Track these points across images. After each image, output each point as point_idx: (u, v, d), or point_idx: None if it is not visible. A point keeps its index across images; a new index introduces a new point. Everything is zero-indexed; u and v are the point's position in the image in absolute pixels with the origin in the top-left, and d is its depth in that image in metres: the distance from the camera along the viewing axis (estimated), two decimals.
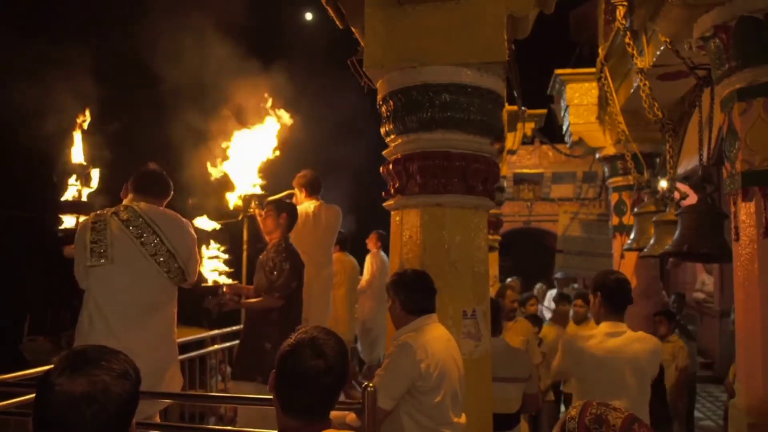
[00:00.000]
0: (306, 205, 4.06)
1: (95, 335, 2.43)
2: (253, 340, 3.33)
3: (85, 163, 3.09)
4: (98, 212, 2.58)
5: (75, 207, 2.96)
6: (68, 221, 2.95)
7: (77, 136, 3.09)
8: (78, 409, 0.99)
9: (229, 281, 3.41)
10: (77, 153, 3.09)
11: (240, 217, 3.84)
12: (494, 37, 2.38)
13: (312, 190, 4.12)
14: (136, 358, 2.34)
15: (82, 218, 2.86)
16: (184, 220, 2.71)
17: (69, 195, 3.02)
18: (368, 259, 6.07)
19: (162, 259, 2.53)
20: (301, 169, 4.22)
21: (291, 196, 4.16)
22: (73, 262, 2.61)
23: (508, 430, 2.95)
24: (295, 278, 3.26)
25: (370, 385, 1.86)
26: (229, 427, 3.93)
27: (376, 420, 1.89)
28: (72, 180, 3.03)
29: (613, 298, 2.57)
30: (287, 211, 3.45)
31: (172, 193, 2.80)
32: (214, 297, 3.22)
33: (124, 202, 2.68)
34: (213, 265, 3.38)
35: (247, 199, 3.77)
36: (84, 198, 3.01)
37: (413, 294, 2.21)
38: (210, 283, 3.27)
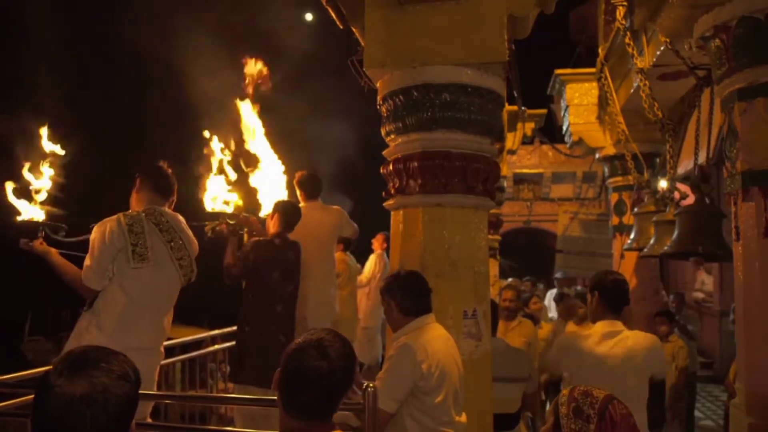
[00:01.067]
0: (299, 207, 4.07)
1: (123, 336, 2.41)
2: (237, 339, 3.43)
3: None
4: (129, 213, 2.57)
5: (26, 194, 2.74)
6: (29, 211, 2.69)
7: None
8: (77, 410, 0.98)
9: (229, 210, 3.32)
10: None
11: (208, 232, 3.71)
12: (495, 37, 2.38)
13: (308, 191, 4.12)
14: (154, 356, 2.36)
15: (42, 208, 2.69)
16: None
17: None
18: (371, 258, 6.08)
19: (184, 263, 2.62)
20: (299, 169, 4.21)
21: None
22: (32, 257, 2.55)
23: (508, 430, 2.95)
24: (240, 267, 3.24)
25: (371, 385, 1.86)
26: (229, 428, 3.93)
27: (378, 421, 1.89)
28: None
29: (610, 297, 2.57)
30: (279, 210, 3.45)
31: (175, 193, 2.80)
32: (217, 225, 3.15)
33: (136, 204, 2.66)
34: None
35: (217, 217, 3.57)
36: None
37: (408, 295, 2.21)
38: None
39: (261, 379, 3.10)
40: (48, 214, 2.71)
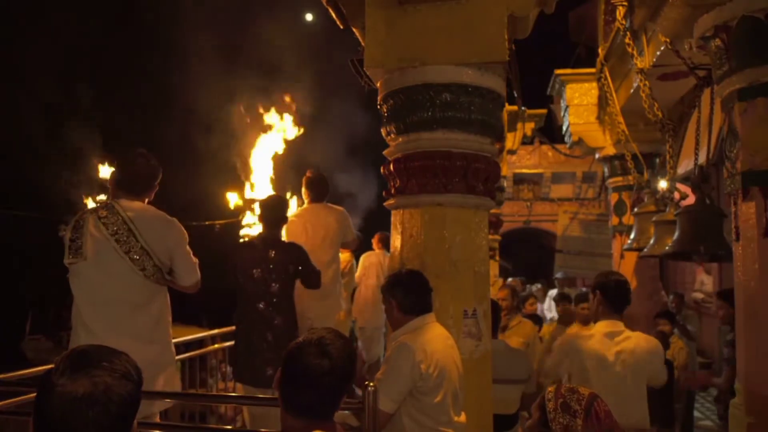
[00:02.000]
0: (298, 211, 4.09)
1: (78, 334, 2.42)
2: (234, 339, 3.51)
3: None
4: (82, 211, 2.56)
5: None
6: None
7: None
8: (80, 410, 0.98)
9: None
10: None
11: (240, 217, 3.83)
12: (495, 37, 2.38)
13: (314, 193, 4.12)
14: (136, 355, 2.29)
15: None
16: (168, 218, 2.60)
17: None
18: (365, 257, 6.08)
19: (136, 257, 2.46)
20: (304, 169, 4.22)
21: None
22: None
23: (506, 430, 2.96)
24: (229, 273, 3.34)
25: (371, 384, 1.86)
26: (229, 427, 3.94)
27: (378, 421, 1.89)
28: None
29: (612, 298, 2.58)
30: (264, 215, 3.49)
31: (155, 186, 2.66)
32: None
33: (107, 198, 2.65)
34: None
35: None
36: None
37: (409, 294, 2.21)
38: None
39: (249, 377, 3.13)
40: None
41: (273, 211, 3.49)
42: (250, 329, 3.25)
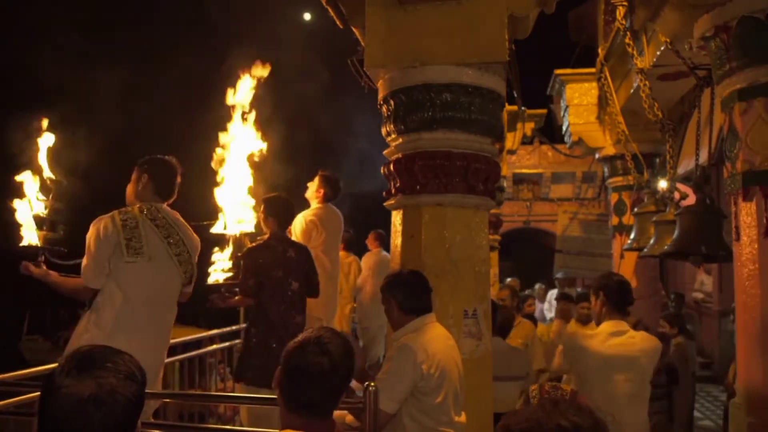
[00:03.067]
0: (313, 208, 4.07)
1: (121, 333, 2.40)
2: (244, 340, 3.39)
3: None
4: (124, 210, 2.55)
5: (39, 222, 2.78)
6: (30, 236, 2.75)
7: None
8: (85, 411, 0.98)
9: (221, 280, 3.26)
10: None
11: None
12: (495, 37, 2.38)
13: (330, 192, 4.12)
14: (154, 354, 2.34)
15: (40, 234, 2.72)
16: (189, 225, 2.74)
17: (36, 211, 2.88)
18: (367, 257, 6.08)
19: (183, 259, 2.59)
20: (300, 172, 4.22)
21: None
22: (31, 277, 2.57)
23: None
24: (250, 276, 3.19)
25: (372, 384, 1.86)
26: (229, 427, 3.93)
27: (379, 421, 1.89)
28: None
29: (615, 298, 2.58)
30: (274, 215, 3.38)
31: (176, 189, 2.73)
32: (213, 295, 3.17)
33: (132, 201, 2.64)
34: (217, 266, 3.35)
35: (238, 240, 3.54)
36: (44, 213, 2.81)
37: (410, 294, 2.20)
38: (212, 281, 3.23)
39: (266, 380, 3.09)
40: (45, 239, 2.74)
41: (285, 210, 3.46)
42: (270, 331, 3.17)
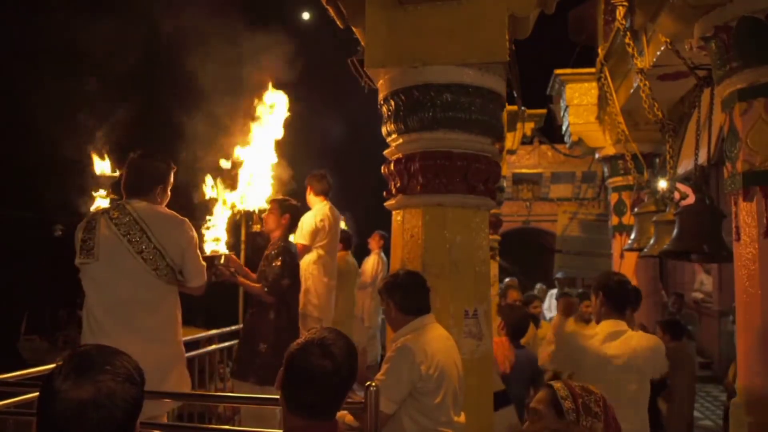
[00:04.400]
0: (322, 208, 4.08)
1: (90, 334, 2.43)
2: (249, 340, 3.34)
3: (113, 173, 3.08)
4: (93, 211, 2.57)
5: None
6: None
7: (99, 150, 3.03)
8: (84, 415, 0.98)
9: (227, 251, 3.31)
10: (102, 165, 3.07)
11: (238, 217, 3.78)
12: (496, 37, 2.38)
13: (319, 190, 4.13)
14: (142, 356, 2.31)
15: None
16: (179, 218, 2.61)
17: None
18: (370, 258, 6.10)
19: (149, 257, 2.47)
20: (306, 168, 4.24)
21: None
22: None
23: (501, 406, 2.98)
24: (286, 275, 3.24)
25: (373, 384, 1.86)
26: (228, 427, 3.93)
27: (379, 421, 1.88)
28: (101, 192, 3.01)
29: (614, 298, 2.58)
30: (291, 212, 3.43)
31: (166, 186, 2.65)
32: (210, 266, 3.11)
33: (117, 199, 2.68)
34: (213, 234, 3.31)
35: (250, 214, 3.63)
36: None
37: (408, 295, 2.20)
38: (208, 252, 3.20)
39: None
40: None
41: (299, 215, 3.54)
42: (291, 331, 3.20)
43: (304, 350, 1.32)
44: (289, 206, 3.48)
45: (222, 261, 3.21)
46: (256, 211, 3.47)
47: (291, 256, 3.33)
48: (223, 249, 3.28)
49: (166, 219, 2.58)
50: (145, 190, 2.58)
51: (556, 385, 1.42)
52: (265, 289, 3.23)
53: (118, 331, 2.41)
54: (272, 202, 3.54)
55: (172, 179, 2.69)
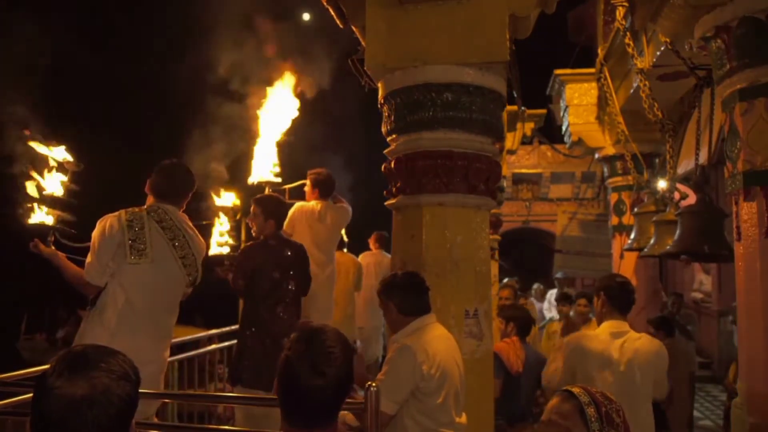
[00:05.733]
0: (313, 204, 4.05)
1: (124, 333, 2.40)
2: (238, 342, 3.37)
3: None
4: (131, 210, 2.55)
5: (52, 202, 2.75)
6: (41, 216, 2.71)
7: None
8: (79, 412, 0.97)
9: (228, 252, 3.36)
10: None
11: (238, 216, 3.79)
12: (496, 37, 2.37)
13: (324, 191, 4.10)
14: (156, 355, 2.32)
15: (53, 213, 2.70)
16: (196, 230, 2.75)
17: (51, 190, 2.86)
18: (365, 257, 6.08)
19: (188, 262, 2.59)
20: (307, 162, 4.21)
21: (303, 185, 4.15)
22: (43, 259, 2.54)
23: None
24: (240, 277, 3.19)
25: (373, 384, 1.85)
26: (228, 427, 3.92)
27: (380, 422, 1.88)
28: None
29: (616, 299, 2.58)
30: (274, 217, 3.34)
31: (189, 197, 2.74)
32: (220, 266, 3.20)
33: (149, 202, 2.65)
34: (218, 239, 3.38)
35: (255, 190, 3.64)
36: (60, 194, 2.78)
37: (407, 295, 2.18)
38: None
39: (262, 381, 3.07)
40: (58, 218, 2.72)
41: (282, 209, 3.45)
42: (264, 333, 3.14)
43: (294, 367, 1.25)
44: (272, 211, 3.36)
45: (229, 262, 3.27)
46: (225, 259, 3.33)
47: (246, 256, 3.24)
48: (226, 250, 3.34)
49: (193, 228, 2.70)
50: (180, 198, 2.66)
51: (576, 390, 1.28)
52: (234, 281, 3.24)
53: (155, 332, 2.51)
54: (254, 203, 3.44)
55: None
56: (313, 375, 1.23)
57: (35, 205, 2.69)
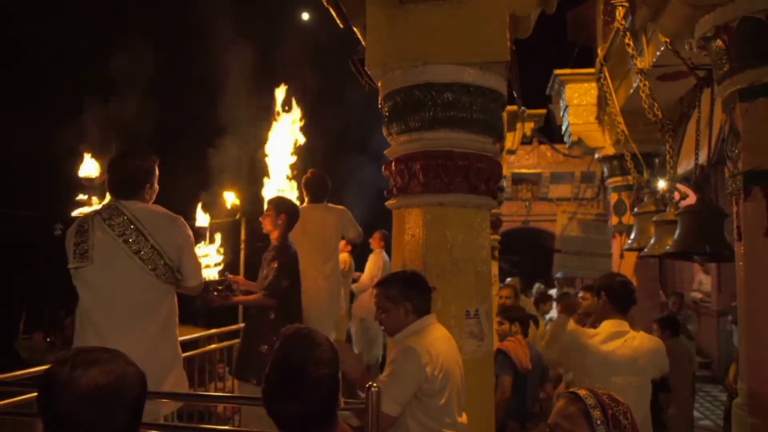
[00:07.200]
0: (303, 207, 4.06)
1: (86, 339, 2.36)
2: (250, 341, 3.34)
3: (95, 176, 3.04)
4: (86, 213, 2.52)
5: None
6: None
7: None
8: (100, 400, 0.98)
9: (216, 276, 3.25)
10: (88, 168, 3.03)
11: (237, 216, 3.81)
12: (497, 37, 2.37)
13: (314, 193, 4.09)
14: (138, 359, 2.28)
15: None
16: (173, 216, 2.56)
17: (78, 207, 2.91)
18: (370, 258, 6.08)
19: (147, 257, 2.42)
20: (307, 168, 4.19)
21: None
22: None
23: None
24: (284, 276, 3.22)
25: (374, 385, 1.84)
26: (228, 427, 3.92)
27: (381, 424, 1.87)
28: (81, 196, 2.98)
29: (617, 298, 2.58)
30: (286, 212, 3.42)
31: (153, 183, 2.58)
32: (205, 291, 3.05)
33: (107, 199, 2.58)
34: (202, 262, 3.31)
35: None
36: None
37: (423, 295, 2.14)
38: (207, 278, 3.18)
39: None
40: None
41: (296, 217, 3.50)
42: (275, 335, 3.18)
43: (268, 394, 1.26)
44: (284, 206, 3.47)
45: (222, 287, 3.17)
46: (224, 280, 3.26)
47: (288, 256, 3.31)
48: (212, 274, 3.20)
49: (160, 217, 2.51)
50: (135, 191, 2.51)
51: (582, 392, 1.26)
52: (264, 293, 3.22)
53: (117, 335, 2.34)
54: (268, 203, 3.52)
55: (157, 173, 2.60)
56: (288, 401, 1.24)
57: None
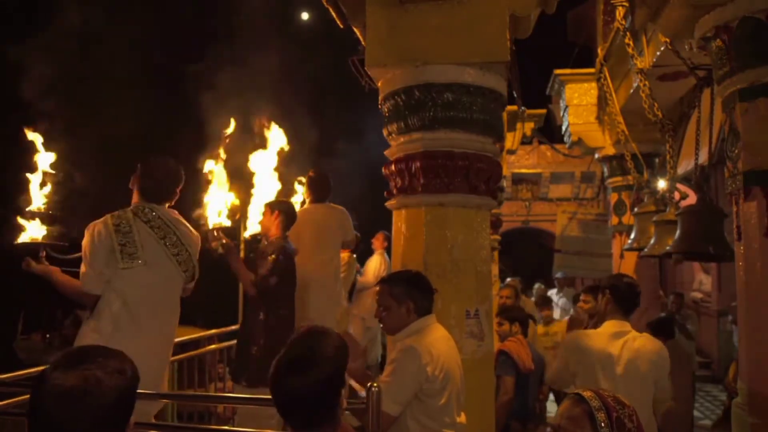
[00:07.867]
0: (305, 207, 4.06)
1: (121, 338, 2.34)
2: (242, 342, 3.35)
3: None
4: (117, 213, 2.50)
5: (39, 217, 2.71)
6: (30, 232, 2.68)
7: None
8: (71, 402, 1.00)
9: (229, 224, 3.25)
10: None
11: (237, 216, 3.73)
12: (497, 37, 2.37)
13: (316, 193, 4.08)
14: (157, 357, 2.31)
15: (41, 229, 2.68)
16: (191, 227, 2.71)
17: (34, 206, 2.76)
18: (373, 258, 6.08)
19: (182, 259, 2.57)
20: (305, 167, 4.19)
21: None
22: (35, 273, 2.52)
23: None
24: (275, 273, 3.18)
25: (374, 384, 1.85)
26: (228, 427, 3.92)
27: (382, 424, 1.87)
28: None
29: (622, 299, 2.58)
30: (281, 209, 3.41)
31: (178, 192, 2.67)
32: (214, 239, 3.03)
33: (134, 202, 2.60)
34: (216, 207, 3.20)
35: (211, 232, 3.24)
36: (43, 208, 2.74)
37: (425, 295, 2.13)
38: (210, 225, 3.12)
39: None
40: (48, 232, 2.70)
41: (294, 217, 3.50)
42: (281, 331, 3.13)
43: (275, 375, 1.31)
44: (280, 204, 3.47)
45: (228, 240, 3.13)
46: (214, 229, 3.14)
47: (286, 255, 3.29)
48: (225, 222, 3.17)
49: (184, 224, 2.66)
50: (164, 196, 2.61)
51: (587, 394, 1.24)
52: (253, 281, 3.19)
53: (156, 334, 2.49)
54: (264, 205, 3.52)
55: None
56: (292, 373, 1.29)
57: (22, 223, 2.67)
